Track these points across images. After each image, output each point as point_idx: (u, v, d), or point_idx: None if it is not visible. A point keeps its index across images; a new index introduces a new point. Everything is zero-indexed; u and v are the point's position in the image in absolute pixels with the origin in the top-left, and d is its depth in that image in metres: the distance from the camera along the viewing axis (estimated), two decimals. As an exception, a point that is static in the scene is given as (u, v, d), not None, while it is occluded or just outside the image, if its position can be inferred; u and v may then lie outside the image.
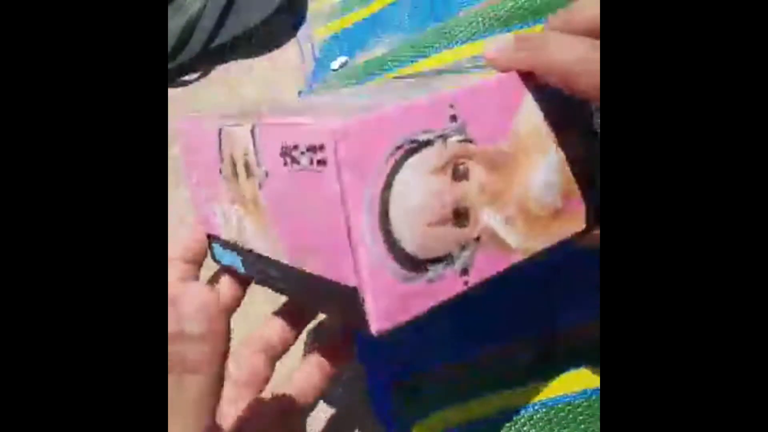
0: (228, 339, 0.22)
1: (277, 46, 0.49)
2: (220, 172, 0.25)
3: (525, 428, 0.29)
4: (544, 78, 0.22)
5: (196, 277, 0.28)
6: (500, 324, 0.32)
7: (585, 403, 0.29)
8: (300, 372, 0.29)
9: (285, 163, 0.21)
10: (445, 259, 0.21)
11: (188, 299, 0.21)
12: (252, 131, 0.22)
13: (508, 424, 0.30)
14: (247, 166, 0.23)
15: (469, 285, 0.21)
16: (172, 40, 0.46)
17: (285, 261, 0.23)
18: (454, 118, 0.21)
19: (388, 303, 0.20)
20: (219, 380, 0.21)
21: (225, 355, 0.22)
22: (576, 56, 0.21)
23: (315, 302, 0.25)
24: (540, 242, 0.23)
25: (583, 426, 0.29)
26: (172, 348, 0.20)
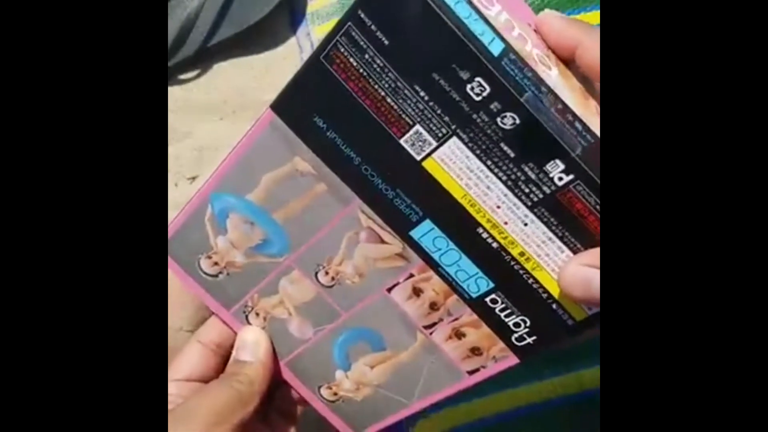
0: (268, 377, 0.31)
1: (276, 44, 0.49)
2: None
3: (526, 428, 0.29)
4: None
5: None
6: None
7: (585, 404, 0.29)
8: None
9: None
10: None
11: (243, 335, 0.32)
12: None
13: (508, 424, 0.30)
14: None
15: None
16: (170, 38, 0.46)
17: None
18: None
19: None
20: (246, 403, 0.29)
21: (263, 386, 0.30)
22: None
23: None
24: None
25: (582, 426, 0.29)
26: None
